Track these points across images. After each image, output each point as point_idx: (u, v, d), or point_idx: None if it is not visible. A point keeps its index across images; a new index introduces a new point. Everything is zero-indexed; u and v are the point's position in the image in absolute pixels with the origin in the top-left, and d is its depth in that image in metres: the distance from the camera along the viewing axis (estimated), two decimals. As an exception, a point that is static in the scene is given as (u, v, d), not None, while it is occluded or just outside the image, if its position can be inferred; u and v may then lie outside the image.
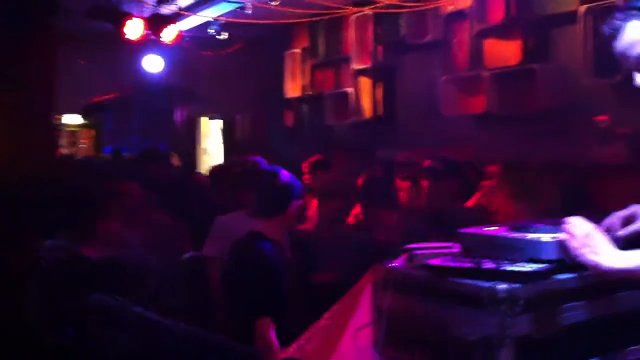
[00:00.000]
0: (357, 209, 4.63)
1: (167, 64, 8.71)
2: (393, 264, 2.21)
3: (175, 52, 8.38)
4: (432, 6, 6.39)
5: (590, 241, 1.77)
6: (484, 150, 5.85)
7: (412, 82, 7.27)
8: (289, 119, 9.05)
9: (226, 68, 9.05)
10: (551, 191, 4.45)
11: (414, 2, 6.36)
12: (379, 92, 7.63)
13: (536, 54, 5.97)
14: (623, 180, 4.41)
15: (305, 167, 5.58)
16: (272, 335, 2.81)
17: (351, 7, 6.74)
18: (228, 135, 10.35)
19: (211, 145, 10.94)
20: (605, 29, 1.83)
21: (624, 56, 1.82)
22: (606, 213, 2.04)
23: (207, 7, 7.44)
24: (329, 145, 7.37)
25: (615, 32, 1.81)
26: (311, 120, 8.61)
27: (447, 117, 6.58)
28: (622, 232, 1.94)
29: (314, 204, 4.93)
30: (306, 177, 5.46)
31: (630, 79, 1.85)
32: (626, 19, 1.80)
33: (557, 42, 5.89)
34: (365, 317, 2.28)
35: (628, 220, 2.00)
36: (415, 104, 7.17)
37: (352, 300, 2.31)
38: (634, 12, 1.78)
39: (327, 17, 6.76)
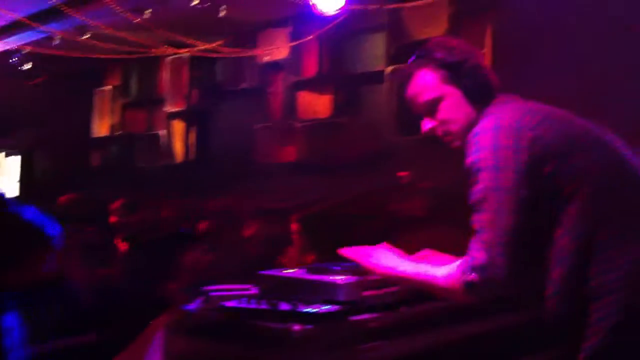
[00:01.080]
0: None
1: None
2: (187, 307, 2.09)
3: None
4: (248, 54, 6.45)
5: (372, 252, 1.91)
6: (294, 198, 5.91)
7: (227, 128, 7.24)
8: (96, 159, 8.62)
9: (29, 101, 8.46)
10: (355, 240, 4.57)
11: (230, 48, 6.38)
12: (193, 136, 7.51)
13: (345, 109, 6.20)
14: (423, 231, 4.63)
15: (112, 209, 5.32)
16: None
17: (167, 48, 6.61)
18: (26, 173, 9.63)
19: (6, 183, 10.09)
20: (397, 75, 1.91)
21: (413, 102, 1.89)
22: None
23: (11, 36, 6.95)
24: (137, 187, 7.09)
25: (407, 79, 1.89)
26: (120, 161, 8.26)
27: (261, 164, 6.61)
28: None
29: (121, 246, 4.70)
30: (113, 219, 5.22)
31: (432, 136, 1.92)
32: (417, 66, 1.87)
33: (366, 99, 6.17)
34: (155, 364, 2.12)
35: None
36: (229, 149, 7.13)
37: (140, 347, 2.15)
38: (424, 59, 1.86)
39: (141, 56, 6.58)
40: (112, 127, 8.40)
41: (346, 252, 1.94)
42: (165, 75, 7.60)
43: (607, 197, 1.63)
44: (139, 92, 8.17)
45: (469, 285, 1.63)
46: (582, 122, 1.76)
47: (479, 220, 1.65)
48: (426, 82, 1.85)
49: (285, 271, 2.08)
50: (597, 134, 1.74)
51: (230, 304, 1.98)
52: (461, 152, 1.81)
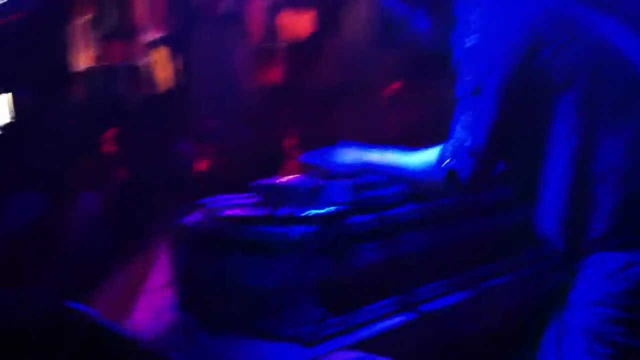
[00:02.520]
0: None
1: None
2: (187, 219, 2.11)
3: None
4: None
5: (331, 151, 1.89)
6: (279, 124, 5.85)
7: (208, 54, 7.11)
8: (77, 94, 8.48)
9: (4, 39, 8.25)
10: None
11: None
12: (174, 65, 7.39)
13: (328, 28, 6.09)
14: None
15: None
16: None
17: (141, -25, 6.40)
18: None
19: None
20: None
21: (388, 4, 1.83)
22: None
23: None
24: (121, 120, 6.99)
25: None
26: (101, 94, 8.13)
27: (244, 88, 6.53)
28: None
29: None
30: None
31: None
32: None
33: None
34: (162, 277, 2.16)
35: None
36: (212, 76, 7.03)
37: (146, 260, 2.19)
38: None
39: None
40: (91, 60, 8.23)
41: (305, 158, 1.95)
42: (143, 4, 7.40)
43: (603, 84, 1.55)
44: (116, 22, 7.97)
45: (449, 171, 1.56)
46: (577, 7, 1.66)
47: (465, 104, 1.57)
48: None
49: (282, 179, 2.10)
50: (592, 19, 1.64)
51: (229, 212, 2.01)
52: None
